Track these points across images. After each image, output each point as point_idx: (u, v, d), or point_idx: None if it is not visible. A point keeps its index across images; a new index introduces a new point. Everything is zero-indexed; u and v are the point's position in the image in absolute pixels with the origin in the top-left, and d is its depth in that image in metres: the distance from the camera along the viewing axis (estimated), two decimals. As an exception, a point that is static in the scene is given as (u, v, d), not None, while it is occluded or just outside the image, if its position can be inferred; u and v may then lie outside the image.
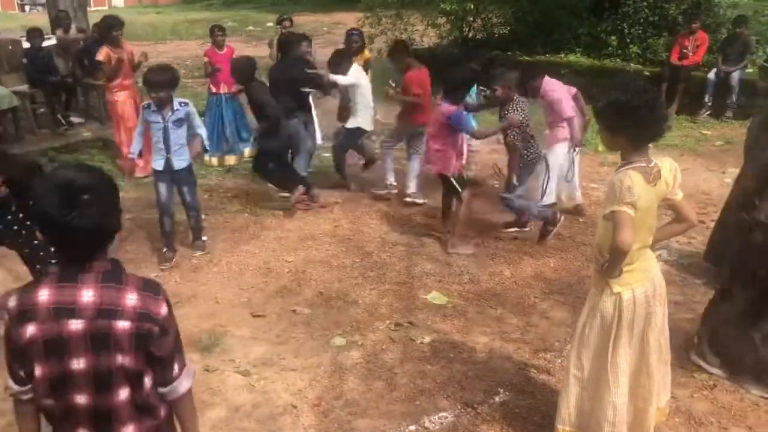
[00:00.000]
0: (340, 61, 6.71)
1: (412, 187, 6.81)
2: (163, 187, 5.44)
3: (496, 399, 3.74)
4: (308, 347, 4.28)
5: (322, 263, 5.51)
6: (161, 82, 5.16)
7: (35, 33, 8.94)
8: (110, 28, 7.43)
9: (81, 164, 1.95)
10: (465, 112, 5.50)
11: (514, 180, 5.64)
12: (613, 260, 2.75)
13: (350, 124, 6.93)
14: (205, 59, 8.09)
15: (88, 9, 31.86)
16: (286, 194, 6.67)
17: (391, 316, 4.65)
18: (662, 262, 5.36)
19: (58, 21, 10.31)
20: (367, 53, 8.52)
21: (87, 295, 1.80)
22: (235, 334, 4.44)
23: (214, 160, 8.08)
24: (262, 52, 12.54)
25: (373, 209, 6.69)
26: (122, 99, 7.49)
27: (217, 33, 8.14)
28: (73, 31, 10.17)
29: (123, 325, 1.81)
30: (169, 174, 5.39)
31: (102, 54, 7.37)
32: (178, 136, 5.32)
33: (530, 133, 5.71)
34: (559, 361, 4.07)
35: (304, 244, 5.87)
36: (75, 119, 9.24)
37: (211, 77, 8.05)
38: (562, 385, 3.17)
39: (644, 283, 2.88)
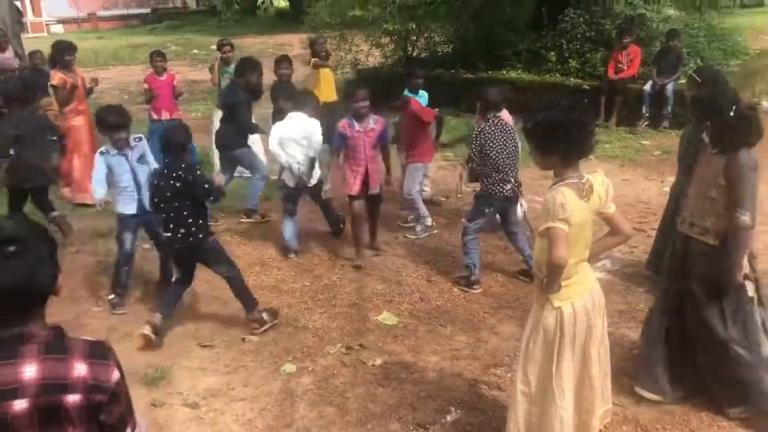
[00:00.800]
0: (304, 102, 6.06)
1: None
2: (129, 236, 5.04)
3: (448, 418, 3.75)
4: (258, 376, 4.22)
5: (272, 288, 5.45)
6: (121, 124, 4.86)
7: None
8: (63, 52, 7.34)
9: (20, 216, 1.81)
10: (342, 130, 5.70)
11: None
12: (550, 276, 2.80)
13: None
14: (145, 86, 8.00)
15: (26, 35, 31.19)
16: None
17: (341, 340, 4.63)
18: (605, 272, 5.50)
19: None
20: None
21: (29, 371, 1.65)
22: (183, 366, 4.35)
23: None
24: (206, 75, 12.45)
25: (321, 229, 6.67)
26: (79, 124, 7.43)
27: (156, 59, 8.06)
28: (9, 53, 9.87)
29: (73, 398, 1.69)
30: (141, 217, 5.02)
31: (56, 78, 7.27)
32: (145, 172, 4.97)
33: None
34: (509, 376, 4.10)
35: (253, 269, 5.80)
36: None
37: (151, 103, 7.94)
38: (511, 401, 3.20)
39: (583, 296, 2.94)
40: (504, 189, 5.17)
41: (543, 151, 2.87)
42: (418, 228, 6.49)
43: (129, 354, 4.26)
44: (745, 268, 3.53)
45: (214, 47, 23.19)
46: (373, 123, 5.69)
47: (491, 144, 5.13)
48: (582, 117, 2.82)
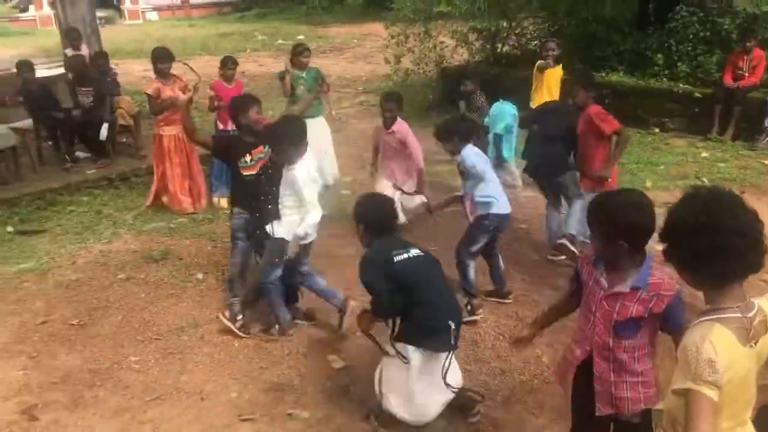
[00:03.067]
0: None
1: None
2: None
3: None
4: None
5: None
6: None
7: (24, 67, 8.46)
8: (155, 61, 7.09)
9: None
10: None
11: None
12: None
13: None
14: (211, 93, 7.41)
15: (123, 22, 32.09)
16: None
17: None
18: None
19: (70, 39, 9.90)
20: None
21: None
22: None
23: (224, 201, 7.47)
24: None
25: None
26: (169, 133, 7.20)
27: (228, 65, 7.50)
28: (84, 51, 9.74)
29: None
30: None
31: (151, 87, 7.03)
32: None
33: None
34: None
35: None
36: (81, 155, 8.74)
37: (217, 113, 7.46)
38: None
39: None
40: None
41: (682, 265, 2.04)
42: None
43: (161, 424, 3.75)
44: None
45: (301, 36, 23.17)
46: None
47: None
48: (740, 215, 1.93)
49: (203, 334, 4.87)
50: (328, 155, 7.31)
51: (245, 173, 4.79)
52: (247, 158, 4.78)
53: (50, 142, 8.73)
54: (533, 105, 7.79)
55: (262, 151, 4.82)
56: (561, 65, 7.97)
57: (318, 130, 7.14)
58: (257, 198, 4.71)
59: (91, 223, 7.04)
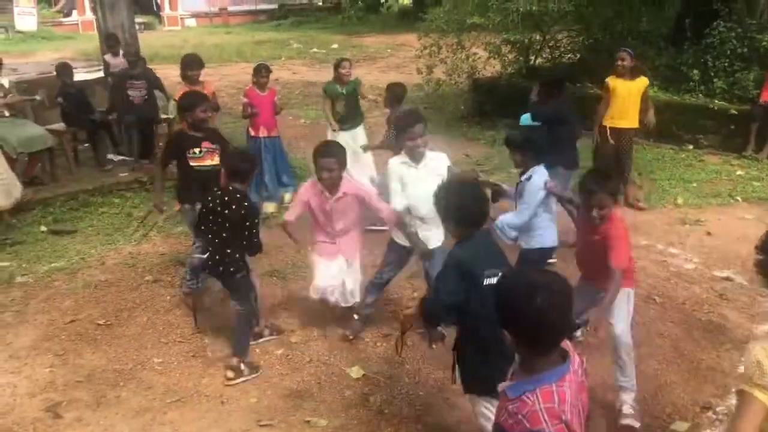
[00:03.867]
0: None
1: None
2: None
3: None
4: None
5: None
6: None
7: (65, 70, 8.67)
8: (185, 67, 7.12)
9: None
10: None
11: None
12: None
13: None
14: (245, 100, 7.53)
15: (162, 28, 32.64)
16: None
17: None
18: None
19: (109, 44, 10.13)
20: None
21: None
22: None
23: (271, 206, 7.54)
24: (324, 75, 11.87)
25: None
26: None
27: (262, 73, 7.56)
28: (121, 58, 9.94)
29: None
30: None
31: (179, 94, 7.07)
32: None
33: None
34: None
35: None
36: (115, 158, 8.92)
37: (250, 119, 7.55)
38: None
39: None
40: None
41: None
42: None
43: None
44: None
45: (335, 45, 23.32)
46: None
47: None
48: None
49: (226, 338, 4.90)
50: (368, 167, 7.35)
51: (194, 164, 5.03)
52: (196, 150, 5.03)
53: (86, 144, 8.92)
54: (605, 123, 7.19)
55: (210, 145, 5.07)
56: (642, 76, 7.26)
57: (359, 140, 7.44)
58: (208, 189, 4.58)
59: (122, 225, 7.16)
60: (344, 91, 7.46)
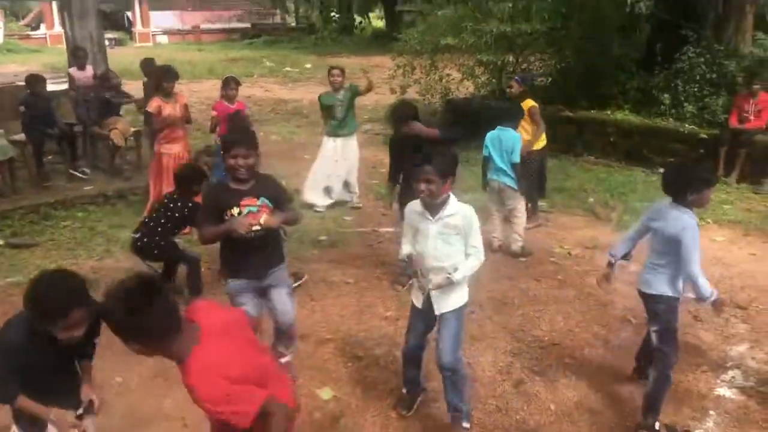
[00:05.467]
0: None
1: None
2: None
3: None
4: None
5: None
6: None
7: (37, 79, 8.39)
8: (161, 79, 7.09)
9: None
10: None
11: None
12: None
13: None
14: (213, 113, 7.42)
15: (134, 45, 32.39)
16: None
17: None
18: (734, 389, 4.39)
19: (76, 57, 9.89)
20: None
21: None
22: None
23: None
24: (297, 94, 11.82)
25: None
26: (171, 152, 7.16)
27: (231, 85, 7.45)
28: (88, 71, 9.72)
29: None
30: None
31: (152, 105, 7.00)
32: None
33: None
34: None
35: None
36: (82, 174, 8.67)
37: (218, 132, 7.39)
38: None
39: None
40: None
41: None
42: None
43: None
44: None
45: (308, 65, 23.29)
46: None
47: None
48: None
49: (190, 358, 4.70)
50: (353, 174, 7.93)
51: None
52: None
53: (50, 156, 8.66)
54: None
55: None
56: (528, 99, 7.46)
57: (352, 147, 7.90)
58: None
59: (84, 239, 6.92)
60: (340, 98, 7.64)
